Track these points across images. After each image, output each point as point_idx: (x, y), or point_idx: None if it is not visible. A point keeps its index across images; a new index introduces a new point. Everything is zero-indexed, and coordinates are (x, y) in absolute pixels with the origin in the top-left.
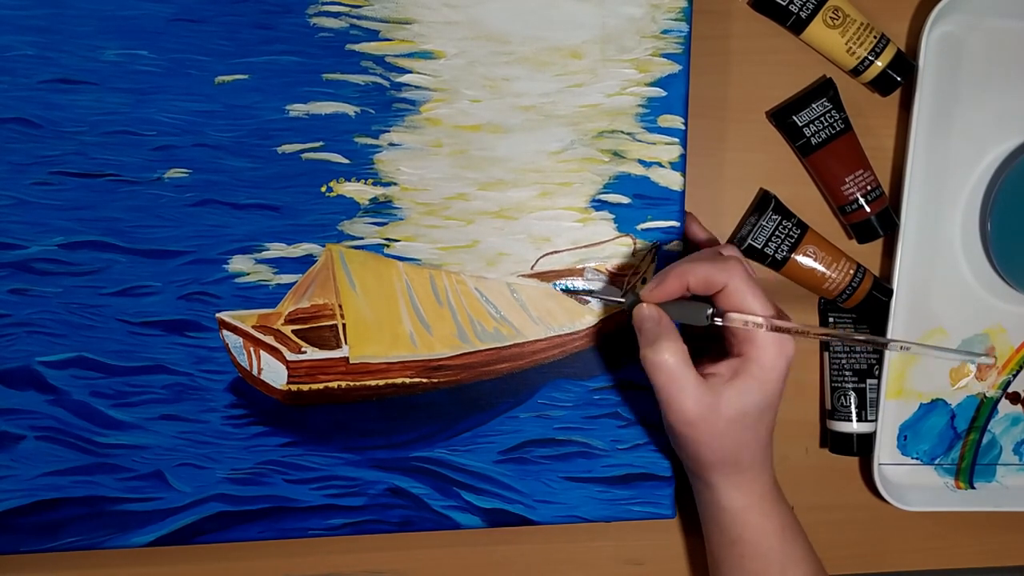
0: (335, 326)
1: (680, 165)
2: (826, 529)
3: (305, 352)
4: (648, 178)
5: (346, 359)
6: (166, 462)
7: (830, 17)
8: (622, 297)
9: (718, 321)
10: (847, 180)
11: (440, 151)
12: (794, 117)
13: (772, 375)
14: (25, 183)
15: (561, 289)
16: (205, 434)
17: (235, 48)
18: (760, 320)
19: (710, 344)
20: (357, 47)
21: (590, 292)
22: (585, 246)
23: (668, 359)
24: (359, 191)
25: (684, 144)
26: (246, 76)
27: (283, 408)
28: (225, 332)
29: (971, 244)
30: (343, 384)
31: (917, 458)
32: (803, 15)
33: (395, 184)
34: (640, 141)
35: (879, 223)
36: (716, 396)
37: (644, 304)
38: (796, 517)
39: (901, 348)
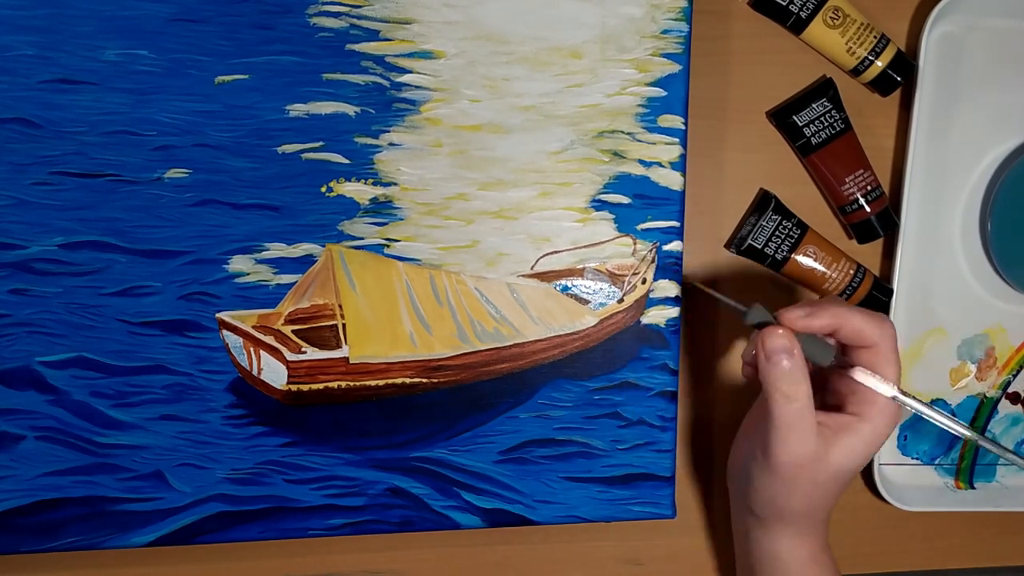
0: (335, 326)
1: (680, 165)
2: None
3: (305, 352)
4: (648, 178)
5: (346, 359)
6: (166, 462)
7: (830, 17)
8: (744, 306)
9: (855, 377)
10: (847, 180)
11: (440, 151)
12: (794, 117)
13: (880, 440)
14: (25, 183)
15: (687, 285)
16: (205, 434)
17: (235, 48)
18: (891, 390)
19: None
20: (357, 47)
21: (713, 293)
22: (585, 246)
23: (804, 395)
24: (359, 191)
25: (684, 144)
26: (246, 76)
27: (283, 408)
28: (225, 332)
29: (971, 244)
30: (343, 384)
31: (917, 458)
32: (803, 15)
33: (395, 184)
34: (640, 141)
35: (879, 223)
36: (827, 447)
37: (783, 330)
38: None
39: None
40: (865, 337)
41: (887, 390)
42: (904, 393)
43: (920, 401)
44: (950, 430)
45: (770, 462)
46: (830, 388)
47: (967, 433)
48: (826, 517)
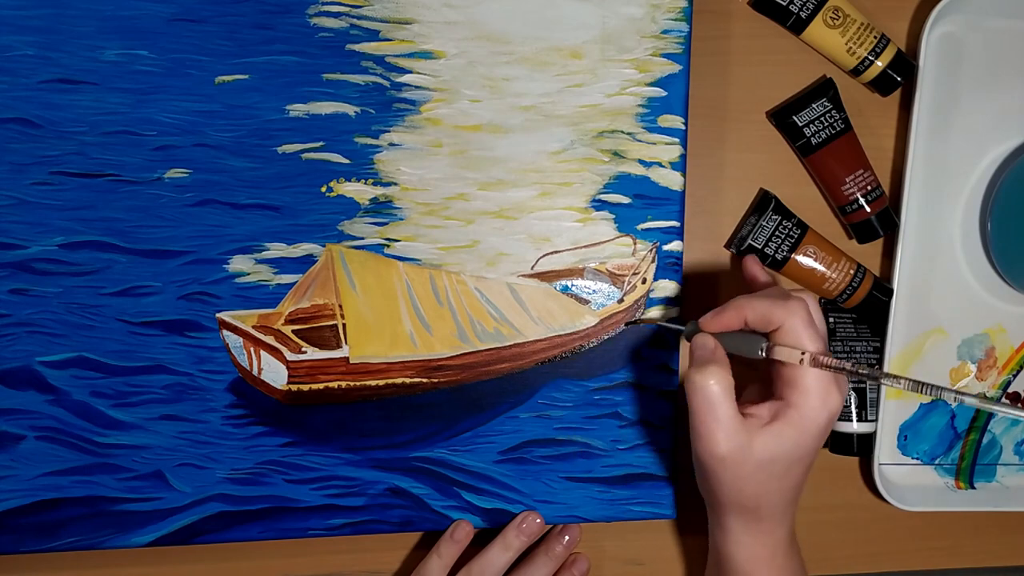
0: (335, 326)
1: (680, 165)
2: (826, 529)
3: (305, 352)
4: (648, 178)
5: (346, 359)
6: (166, 462)
7: (830, 17)
8: (683, 326)
9: (769, 355)
10: (847, 180)
11: (440, 151)
12: (794, 117)
13: (811, 425)
14: (25, 183)
15: (626, 324)
16: (205, 434)
17: (235, 48)
18: (803, 356)
19: (760, 388)
20: (357, 47)
21: (653, 321)
22: (585, 246)
23: (712, 385)
24: (359, 191)
25: (684, 144)
26: (246, 76)
27: (283, 408)
28: (225, 332)
29: (971, 244)
30: (343, 384)
31: (917, 458)
32: (803, 15)
33: (395, 184)
34: (640, 141)
35: (879, 223)
36: (750, 437)
37: (701, 333)
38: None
39: (955, 399)
40: (772, 319)
41: (794, 356)
42: (818, 360)
43: (839, 361)
44: (885, 384)
45: (695, 456)
46: (772, 380)
47: (898, 385)
48: (777, 514)
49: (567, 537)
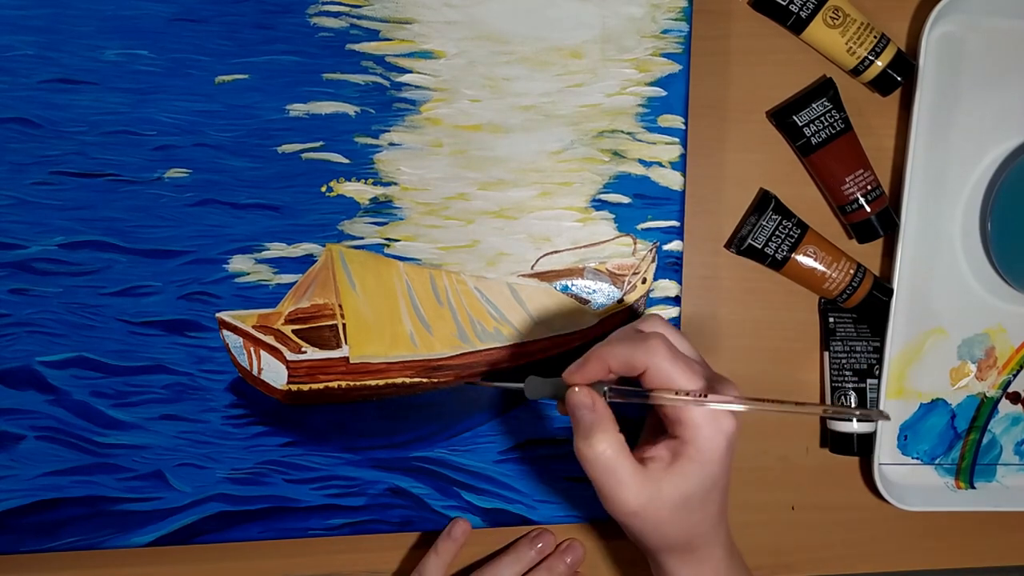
0: (335, 326)
1: (680, 165)
2: (826, 529)
3: (305, 352)
4: (648, 178)
5: (346, 359)
6: (166, 462)
7: (830, 17)
8: (522, 383)
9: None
10: (847, 180)
11: (440, 151)
12: (794, 117)
13: (711, 455)
14: (25, 183)
15: (467, 382)
16: (205, 434)
17: (235, 48)
18: (685, 395)
19: (654, 422)
20: (357, 47)
21: (492, 384)
22: (585, 246)
23: (604, 451)
24: (359, 191)
25: (684, 144)
26: (246, 76)
27: (283, 408)
28: (225, 332)
29: (971, 244)
30: (343, 384)
31: (917, 458)
32: (803, 15)
33: (395, 184)
34: (640, 141)
35: (879, 223)
36: (656, 485)
37: (576, 388)
38: None
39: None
40: (635, 364)
41: (675, 398)
42: (700, 400)
43: (719, 397)
44: (763, 410)
45: (618, 521)
46: (661, 414)
47: (771, 408)
48: (709, 540)
49: (569, 558)
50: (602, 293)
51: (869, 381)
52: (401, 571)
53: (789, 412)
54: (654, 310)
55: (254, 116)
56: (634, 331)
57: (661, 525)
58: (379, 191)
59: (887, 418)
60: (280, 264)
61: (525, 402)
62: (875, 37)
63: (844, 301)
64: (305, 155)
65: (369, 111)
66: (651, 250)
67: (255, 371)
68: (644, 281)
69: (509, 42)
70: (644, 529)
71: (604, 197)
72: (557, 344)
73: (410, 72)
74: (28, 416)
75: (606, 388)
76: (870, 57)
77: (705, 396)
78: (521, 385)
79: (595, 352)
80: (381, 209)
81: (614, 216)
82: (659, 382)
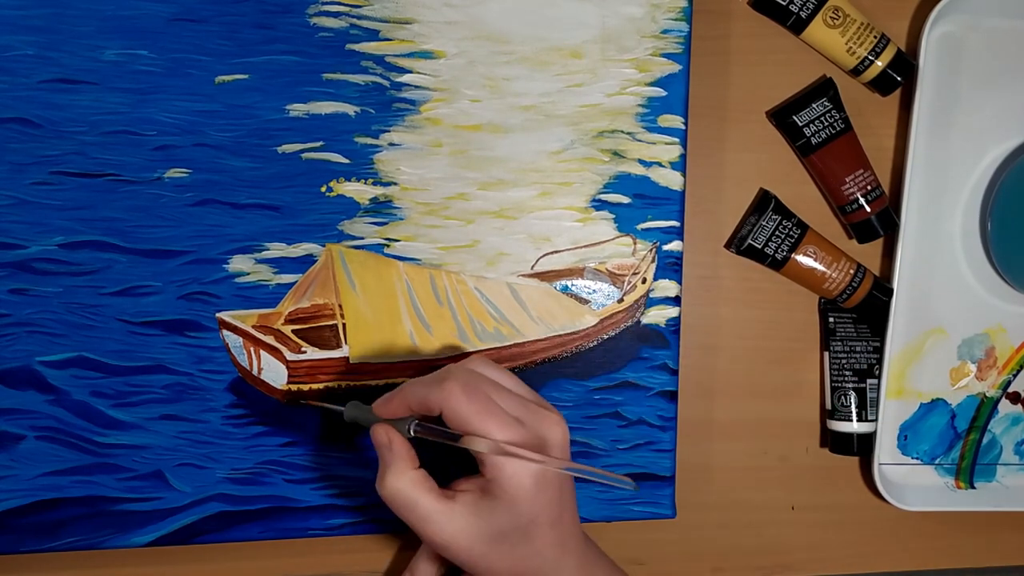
0: (335, 326)
1: (680, 165)
2: (826, 529)
3: (305, 352)
4: (648, 178)
5: (346, 359)
6: (166, 462)
7: (830, 17)
8: (342, 406)
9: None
10: (847, 180)
11: (440, 151)
12: (794, 117)
13: (516, 493)
14: (25, 183)
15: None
16: (205, 434)
17: (235, 48)
18: (479, 442)
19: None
20: (357, 47)
21: (315, 404)
22: (585, 246)
23: (399, 489)
24: (359, 191)
25: (684, 144)
26: (246, 76)
27: (283, 408)
28: (225, 332)
29: (971, 244)
30: (343, 384)
31: (917, 458)
32: (803, 15)
33: (395, 184)
34: (640, 141)
35: (879, 223)
36: (464, 519)
37: (377, 425)
38: None
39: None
40: (430, 406)
41: (472, 444)
42: (500, 448)
43: (516, 448)
44: (552, 467)
45: (443, 556)
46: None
47: (556, 466)
48: (551, 569)
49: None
50: (602, 293)
51: (869, 381)
52: (400, 571)
53: (577, 475)
54: (654, 310)
55: (254, 116)
56: (441, 371)
57: (483, 559)
58: (379, 191)
59: (634, 487)
60: (280, 264)
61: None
62: (875, 37)
63: (844, 301)
64: (305, 155)
65: (369, 111)
66: (651, 250)
67: (255, 371)
68: (644, 281)
69: (509, 42)
70: (466, 563)
71: (604, 197)
72: (557, 344)
73: (410, 72)
74: (28, 416)
75: (411, 424)
76: (870, 57)
77: (512, 443)
78: (342, 408)
79: (400, 388)
80: (381, 209)
81: (614, 216)
82: (458, 424)
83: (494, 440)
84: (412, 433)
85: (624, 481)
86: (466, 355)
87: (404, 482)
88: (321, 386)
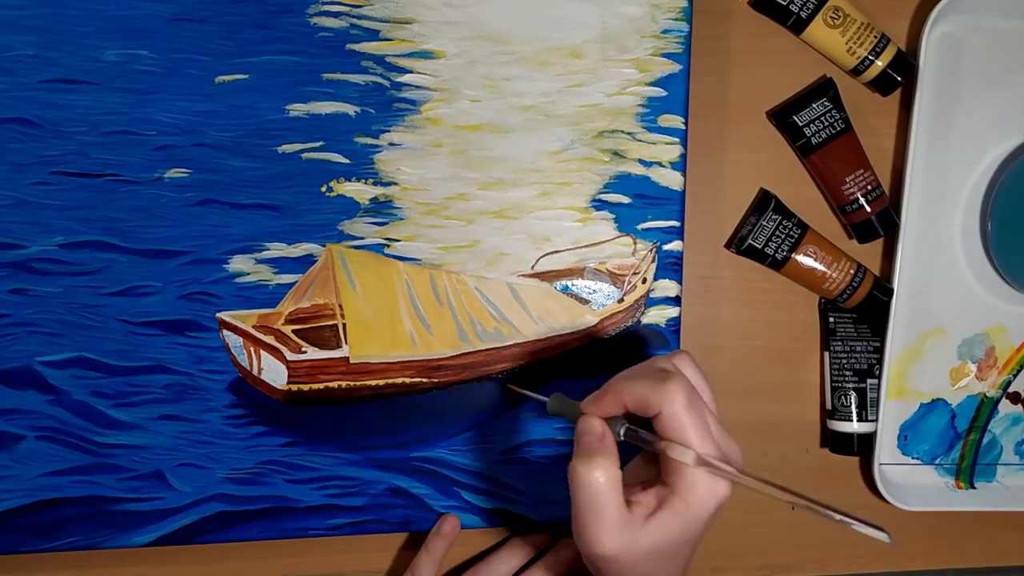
0: (335, 326)
1: (680, 165)
2: (826, 529)
3: (305, 352)
4: (648, 178)
5: (346, 359)
6: (166, 462)
7: (830, 17)
8: (545, 398)
9: (641, 445)
10: (847, 180)
11: (440, 151)
12: (794, 117)
13: (698, 514)
14: (25, 183)
15: (509, 384)
16: (205, 434)
17: (235, 48)
18: (689, 453)
19: (642, 463)
20: (357, 47)
21: (523, 391)
22: (585, 246)
23: (599, 479)
24: (359, 191)
25: (684, 144)
26: (246, 76)
27: (283, 408)
28: (225, 332)
29: (971, 244)
30: (343, 384)
31: (917, 458)
32: (803, 15)
33: (395, 184)
34: (640, 141)
35: (879, 223)
36: (635, 532)
37: (589, 416)
38: None
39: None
40: (649, 405)
41: (684, 455)
42: (703, 460)
43: (726, 467)
44: (767, 494)
45: (580, 550)
46: (662, 465)
47: (786, 497)
48: None
49: (564, 555)
50: (602, 293)
51: (869, 381)
52: (400, 571)
53: (791, 501)
54: (654, 310)
55: (254, 116)
56: (657, 369)
57: (625, 571)
58: (379, 191)
59: (887, 538)
60: (280, 264)
61: (525, 402)
62: (875, 37)
63: (844, 301)
64: (305, 155)
65: (369, 111)
66: (651, 250)
67: (255, 371)
68: (644, 281)
69: (509, 42)
70: (609, 572)
71: (604, 197)
72: (557, 344)
73: (410, 72)
74: (28, 416)
75: (623, 427)
76: (870, 57)
77: (720, 463)
78: (546, 399)
79: (613, 385)
80: (381, 209)
81: (614, 216)
82: (670, 431)
83: (708, 456)
84: (623, 436)
85: (874, 529)
86: (466, 355)
87: (607, 478)
88: (321, 386)
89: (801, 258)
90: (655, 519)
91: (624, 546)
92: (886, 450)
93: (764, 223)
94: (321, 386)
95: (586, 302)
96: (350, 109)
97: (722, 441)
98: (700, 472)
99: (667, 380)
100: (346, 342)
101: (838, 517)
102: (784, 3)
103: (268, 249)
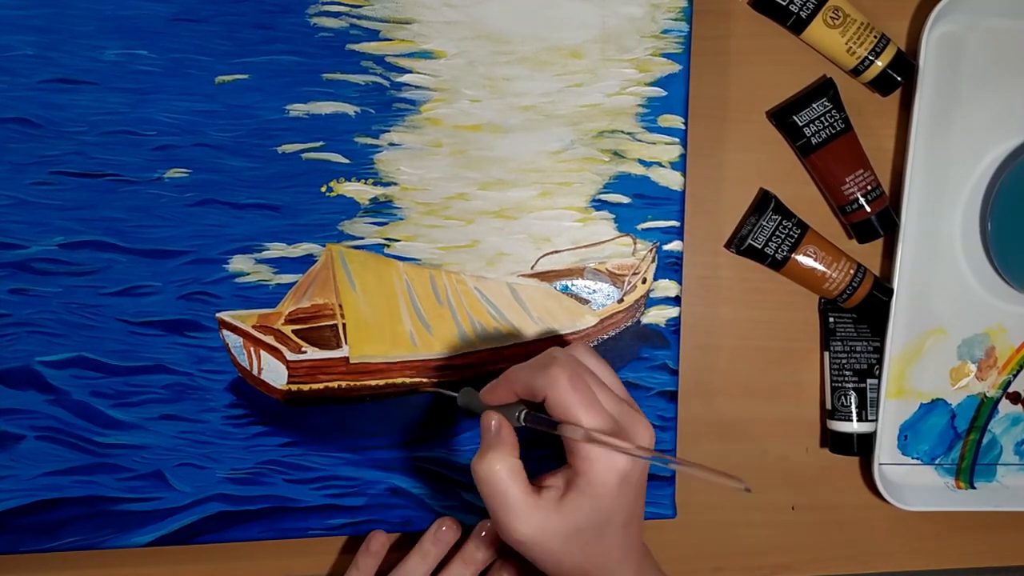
0: (335, 326)
1: (680, 165)
2: (826, 529)
3: (305, 352)
4: (648, 178)
5: (346, 359)
6: (166, 462)
7: (830, 17)
8: (456, 392)
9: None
10: (847, 180)
11: (440, 151)
12: (794, 117)
13: (602, 489)
14: (25, 183)
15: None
16: (205, 434)
17: (235, 48)
18: (579, 431)
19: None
20: (357, 47)
21: (431, 390)
22: (585, 246)
23: (496, 471)
24: (359, 191)
25: (684, 144)
26: (246, 76)
27: (283, 408)
28: (225, 332)
29: (971, 244)
30: (343, 384)
31: (917, 458)
32: (803, 15)
33: (395, 184)
34: (640, 141)
35: (879, 223)
36: (546, 514)
37: (489, 411)
38: None
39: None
40: (535, 391)
41: (573, 432)
42: (592, 436)
43: (612, 440)
44: (653, 461)
45: (510, 544)
46: (565, 449)
47: (669, 463)
48: (612, 572)
49: (486, 543)
50: (602, 293)
51: (869, 381)
52: None
53: (677, 467)
54: (654, 310)
55: (254, 116)
56: (546, 356)
57: (553, 555)
58: (379, 191)
59: (744, 488)
60: (280, 264)
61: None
62: (875, 37)
63: (844, 301)
64: (305, 155)
65: (369, 111)
66: (651, 250)
67: (255, 371)
68: (644, 281)
69: (509, 42)
70: (536, 558)
71: (604, 197)
72: (557, 344)
73: (410, 72)
74: (28, 416)
75: (521, 412)
76: (870, 57)
77: (607, 437)
78: (455, 394)
79: (506, 375)
80: (381, 209)
81: (614, 216)
82: (559, 412)
83: (595, 431)
84: (522, 422)
85: (733, 479)
86: (466, 355)
87: (503, 467)
88: (321, 386)
89: (801, 258)
90: (565, 500)
91: (537, 529)
92: (886, 450)
93: (764, 223)
94: (321, 386)
95: (586, 302)
96: (350, 109)
97: (620, 415)
98: (596, 448)
99: (550, 364)
100: (346, 342)
101: (701, 473)
102: (784, 3)
103: (268, 249)
